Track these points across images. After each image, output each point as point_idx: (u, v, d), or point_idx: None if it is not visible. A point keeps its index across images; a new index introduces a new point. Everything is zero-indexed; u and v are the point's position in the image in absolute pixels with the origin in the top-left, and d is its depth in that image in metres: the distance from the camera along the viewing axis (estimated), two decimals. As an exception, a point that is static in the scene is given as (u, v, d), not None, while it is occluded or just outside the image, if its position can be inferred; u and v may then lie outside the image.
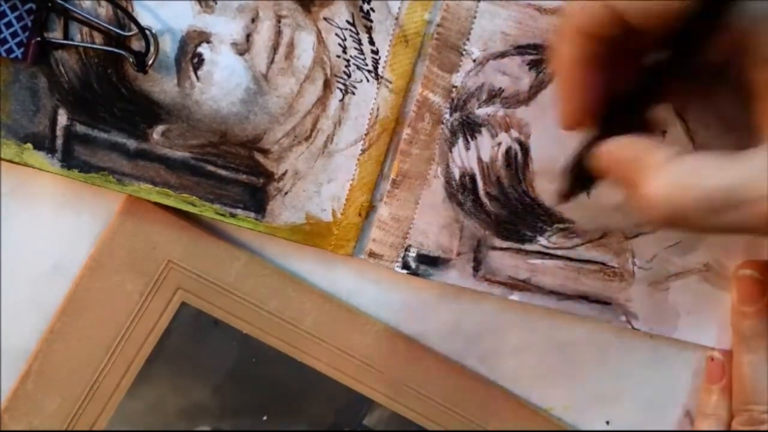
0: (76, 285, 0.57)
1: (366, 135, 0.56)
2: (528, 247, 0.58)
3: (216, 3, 0.53)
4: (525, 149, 0.56)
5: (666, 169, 0.43)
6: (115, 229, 0.56)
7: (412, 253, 0.57)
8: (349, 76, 0.55)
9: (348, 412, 0.61)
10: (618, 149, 0.46)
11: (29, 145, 0.53)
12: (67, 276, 0.57)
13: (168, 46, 0.53)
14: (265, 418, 0.61)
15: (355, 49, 0.55)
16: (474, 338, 0.60)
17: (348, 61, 0.55)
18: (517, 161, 0.56)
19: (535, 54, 0.55)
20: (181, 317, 0.58)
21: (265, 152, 0.55)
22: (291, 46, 0.54)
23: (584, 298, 0.59)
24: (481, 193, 0.57)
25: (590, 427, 0.62)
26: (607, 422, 0.62)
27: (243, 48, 0.54)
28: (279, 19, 0.54)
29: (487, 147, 0.56)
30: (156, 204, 0.56)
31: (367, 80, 0.55)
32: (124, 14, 0.52)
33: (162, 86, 0.54)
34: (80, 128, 0.54)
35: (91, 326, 0.58)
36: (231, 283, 0.58)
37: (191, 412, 0.60)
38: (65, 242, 0.57)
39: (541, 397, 0.62)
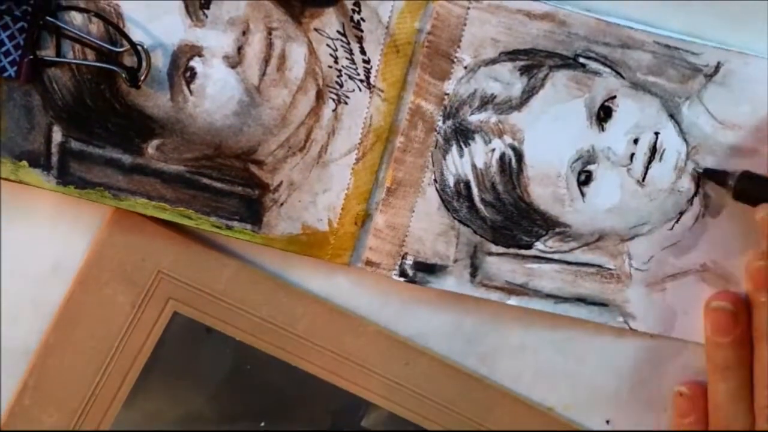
0: (68, 299, 0.57)
1: (360, 144, 0.56)
2: (524, 251, 0.58)
3: (207, 17, 0.53)
4: (519, 154, 0.56)
5: None
6: (104, 241, 0.57)
7: (409, 261, 0.57)
8: (341, 86, 0.55)
9: (346, 414, 0.61)
10: None
11: (25, 163, 0.54)
12: (66, 277, 0.57)
13: (160, 61, 0.54)
14: (262, 424, 0.61)
15: (347, 59, 0.55)
16: (474, 338, 0.60)
17: (340, 71, 0.55)
18: (512, 167, 0.56)
19: (526, 59, 0.55)
20: (173, 327, 0.58)
21: (259, 164, 0.56)
22: (282, 57, 0.54)
23: (582, 300, 0.59)
24: (476, 199, 0.57)
25: (590, 427, 0.62)
26: (607, 422, 0.62)
27: (235, 61, 0.54)
28: (270, 31, 0.54)
29: (481, 153, 0.56)
30: (143, 214, 0.56)
31: (360, 90, 0.55)
32: (115, 30, 0.53)
33: (155, 101, 0.54)
34: (75, 145, 0.54)
35: (84, 339, 0.58)
36: (222, 290, 0.58)
37: (189, 420, 0.60)
38: (64, 243, 0.57)
39: (542, 397, 0.62)
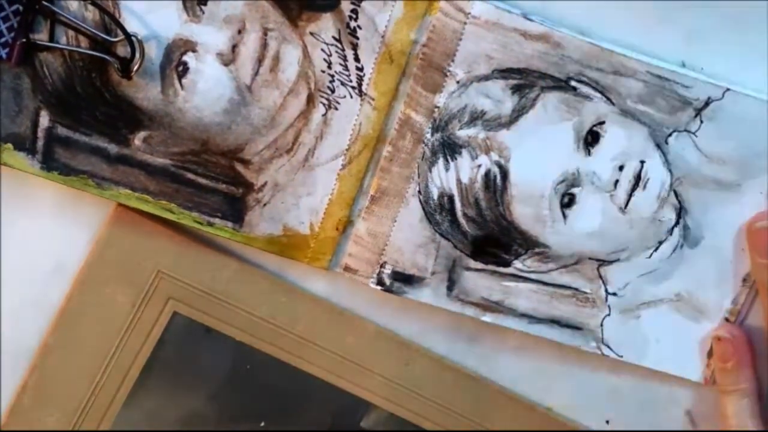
0: (68, 299, 0.57)
1: (347, 150, 0.56)
2: (503, 269, 0.58)
3: (203, 13, 0.53)
4: (504, 172, 0.56)
5: None
6: (104, 241, 0.57)
7: (387, 270, 0.58)
8: (332, 91, 0.55)
9: (345, 414, 0.61)
10: None
11: (10, 146, 0.53)
12: (66, 276, 0.57)
13: (153, 53, 0.53)
14: (262, 424, 0.61)
15: (340, 65, 0.55)
16: (474, 338, 0.61)
17: (332, 76, 0.55)
18: (496, 184, 0.56)
19: (518, 78, 0.55)
20: (173, 327, 0.59)
21: (245, 163, 0.56)
22: (276, 59, 0.54)
23: (556, 322, 0.59)
24: (459, 213, 0.57)
25: (590, 427, 0.62)
26: (607, 422, 0.62)
27: (228, 59, 0.54)
28: (265, 31, 0.54)
29: (467, 168, 0.56)
30: (143, 214, 0.56)
31: (351, 96, 0.55)
32: (110, 19, 0.52)
33: (146, 93, 0.54)
34: (62, 131, 0.54)
35: (84, 339, 0.58)
36: (221, 290, 0.58)
37: (189, 420, 0.61)
38: (64, 243, 0.57)
39: (541, 397, 0.62)
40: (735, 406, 0.59)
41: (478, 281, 0.58)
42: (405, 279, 0.58)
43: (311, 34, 0.54)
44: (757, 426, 0.58)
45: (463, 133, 0.56)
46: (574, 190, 0.57)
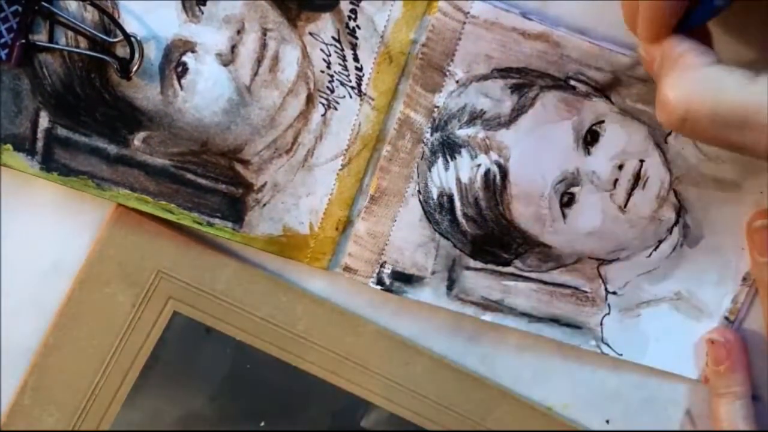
0: (68, 298, 0.57)
1: (346, 150, 0.56)
2: (502, 268, 0.58)
3: (202, 13, 0.53)
4: (504, 172, 0.56)
5: (689, 75, 0.44)
6: (104, 241, 0.57)
7: (387, 270, 0.58)
8: (332, 91, 0.55)
9: (345, 414, 0.61)
10: (665, 44, 0.47)
11: (9, 146, 0.53)
12: (66, 276, 0.57)
13: (153, 54, 0.53)
14: (262, 423, 0.61)
15: (339, 65, 0.55)
16: (474, 338, 0.61)
17: (332, 76, 0.55)
18: (496, 183, 0.56)
19: (517, 78, 0.55)
20: (173, 326, 0.59)
21: (245, 163, 0.56)
22: (275, 59, 0.54)
23: (555, 321, 0.59)
24: (458, 213, 0.57)
25: (590, 426, 0.62)
26: (607, 421, 0.62)
27: (227, 59, 0.54)
28: (265, 32, 0.54)
29: (467, 168, 0.56)
30: (143, 214, 0.56)
31: (350, 96, 0.55)
32: (109, 20, 0.52)
33: (145, 93, 0.54)
34: (61, 131, 0.54)
35: (85, 339, 0.58)
36: (222, 290, 0.58)
37: (189, 420, 0.61)
38: (64, 242, 0.57)
39: (541, 396, 0.62)
40: (727, 409, 0.59)
41: (478, 280, 0.58)
42: (405, 278, 0.58)
43: (310, 34, 0.54)
44: (748, 429, 0.59)
45: (462, 133, 0.56)
46: (574, 190, 0.57)
